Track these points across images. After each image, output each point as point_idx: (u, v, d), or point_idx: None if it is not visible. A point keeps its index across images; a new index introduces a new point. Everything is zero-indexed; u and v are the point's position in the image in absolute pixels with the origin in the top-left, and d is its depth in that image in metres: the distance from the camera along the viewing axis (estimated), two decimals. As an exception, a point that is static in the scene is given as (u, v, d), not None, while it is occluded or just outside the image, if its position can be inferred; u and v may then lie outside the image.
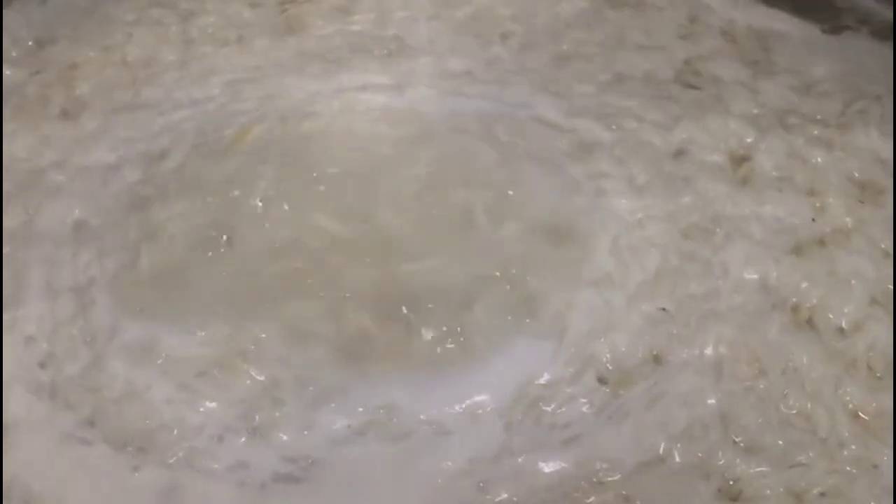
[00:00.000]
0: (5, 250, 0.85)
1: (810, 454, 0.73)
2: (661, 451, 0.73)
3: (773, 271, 0.81)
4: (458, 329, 0.78)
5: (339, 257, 0.83)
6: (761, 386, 0.76)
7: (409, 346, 0.78)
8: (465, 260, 0.83)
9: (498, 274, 0.82)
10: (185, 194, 0.87)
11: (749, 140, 0.89)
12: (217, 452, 0.72)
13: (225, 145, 0.90)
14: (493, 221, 0.85)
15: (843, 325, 0.79)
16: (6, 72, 0.98)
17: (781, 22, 1.00)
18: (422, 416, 0.74)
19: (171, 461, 0.72)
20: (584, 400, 0.75)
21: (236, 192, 0.85)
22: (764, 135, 0.89)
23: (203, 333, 0.78)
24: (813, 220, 0.85)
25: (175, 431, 0.73)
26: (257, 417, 0.74)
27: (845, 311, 0.79)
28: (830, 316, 0.79)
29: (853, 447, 0.73)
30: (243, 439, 0.72)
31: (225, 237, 0.83)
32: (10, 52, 0.99)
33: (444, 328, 0.78)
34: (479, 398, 0.75)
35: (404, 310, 0.81)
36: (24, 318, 0.80)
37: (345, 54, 0.96)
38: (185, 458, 0.72)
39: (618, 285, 0.80)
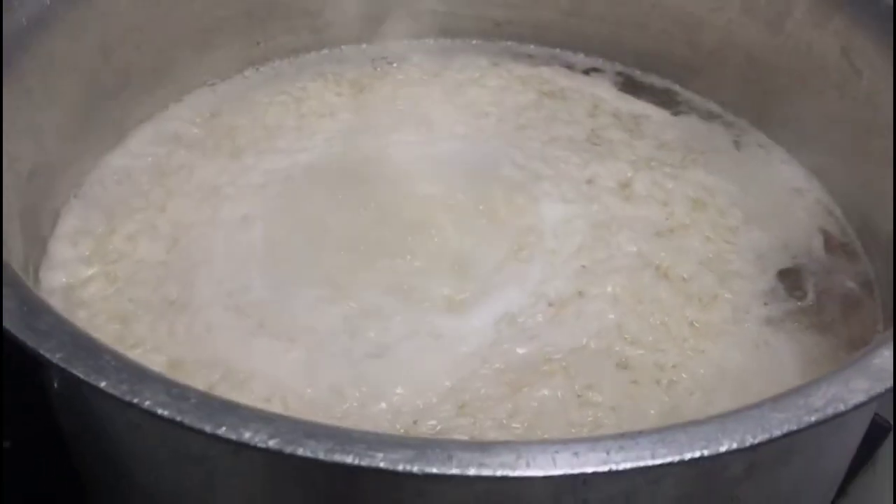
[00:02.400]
0: (203, 231, 0.92)
1: (667, 344, 0.83)
2: (583, 343, 0.83)
3: (645, 246, 0.91)
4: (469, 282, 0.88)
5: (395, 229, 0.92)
6: (639, 309, 0.86)
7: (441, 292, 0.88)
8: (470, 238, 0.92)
9: (488, 250, 0.91)
10: (302, 199, 0.95)
11: (629, 175, 0.99)
12: (335, 342, 0.82)
13: (325, 169, 0.98)
14: (484, 217, 0.93)
15: (685, 276, 0.89)
16: (194, 130, 1.04)
17: (648, 109, 1.09)
18: (452, 326, 0.84)
19: (309, 346, 0.82)
20: (540, 316, 0.85)
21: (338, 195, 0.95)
22: (637, 172, 0.99)
23: (319, 288, 0.87)
24: (666, 219, 0.95)
25: (313, 332, 0.83)
26: (356, 322, 0.84)
27: (685, 269, 0.89)
28: (677, 272, 0.89)
29: (691, 341, 0.84)
30: (345, 335, 0.83)
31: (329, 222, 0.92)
32: (195, 119, 1.05)
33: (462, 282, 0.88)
34: (483, 317, 0.85)
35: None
36: (217, 270, 0.88)
37: (393, 123, 1.04)
38: (318, 342, 0.82)
39: (558, 254, 0.90)
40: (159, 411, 0.55)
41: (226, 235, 0.92)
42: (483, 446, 0.54)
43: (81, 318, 0.85)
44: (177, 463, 0.66)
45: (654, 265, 0.90)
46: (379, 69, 1.14)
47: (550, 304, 0.87)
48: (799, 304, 0.89)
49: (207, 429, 0.53)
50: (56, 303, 0.85)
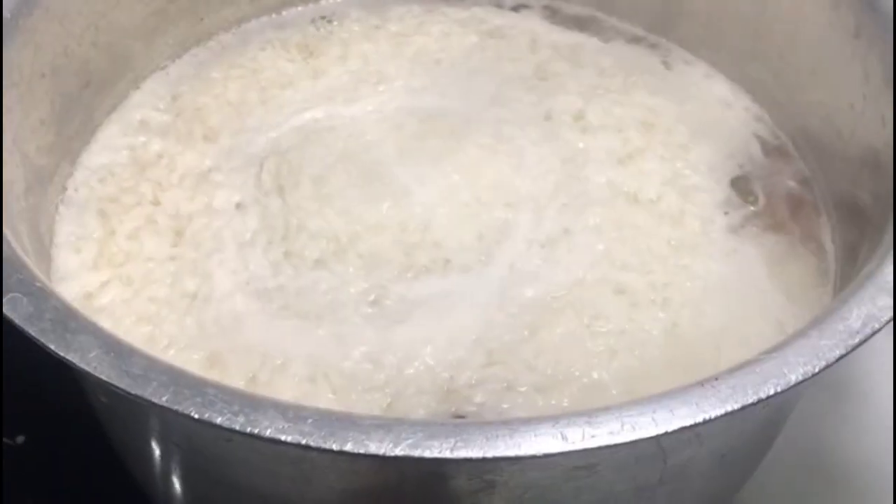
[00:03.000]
0: (204, 221, 0.94)
1: (654, 265, 0.90)
2: (581, 276, 0.89)
3: (611, 174, 0.97)
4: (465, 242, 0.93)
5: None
6: (621, 235, 0.92)
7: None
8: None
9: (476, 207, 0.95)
10: (287, 181, 0.97)
11: (580, 106, 1.03)
12: (358, 314, 0.87)
13: (301, 147, 1.00)
14: (463, 173, 0.97)
15: (653, 198, 0.96)
16: (160, 115, 1.04)
17: (580, 38, 1.14)
18: (460, 284, 0.89)
19: (335, 321, 0.86)
20: (536, 258, 0.91)
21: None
22: (587, 103, 1.04)
23: (326, 268, 0.91)
24: (624, 145, 1.00)
25: (335, 308, 0.87)
26: (370, 295, 0.88)
27: (652, 190, 0.96)
28: (646, 194, 0.95)
29: (671, 259, 0.91)
30: (366, 307, 0.88)
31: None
32: (158, 105, 1.04)
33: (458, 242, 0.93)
34: (486, 271, 0.90)
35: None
36: (229, 259, 0.90)
37: (353, 85, 1.07)
38: (343, 317, 0.87)
39: (538, 198, 0.95)
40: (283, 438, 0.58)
41: (226, 224, 0.94)
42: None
43: (107, 327, 0.85)
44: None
45: (623, 192, 0.96)
46: (321, 29, 1.15)
47: (543, 246, 0.92)
48: (752, 208, 0.98)
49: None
50: (79, 314, 0.89)
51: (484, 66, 1.09)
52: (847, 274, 0.91)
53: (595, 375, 0.84)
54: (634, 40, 1.15)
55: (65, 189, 0.97)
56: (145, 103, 1.06)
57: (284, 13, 1.17)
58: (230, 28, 1.14)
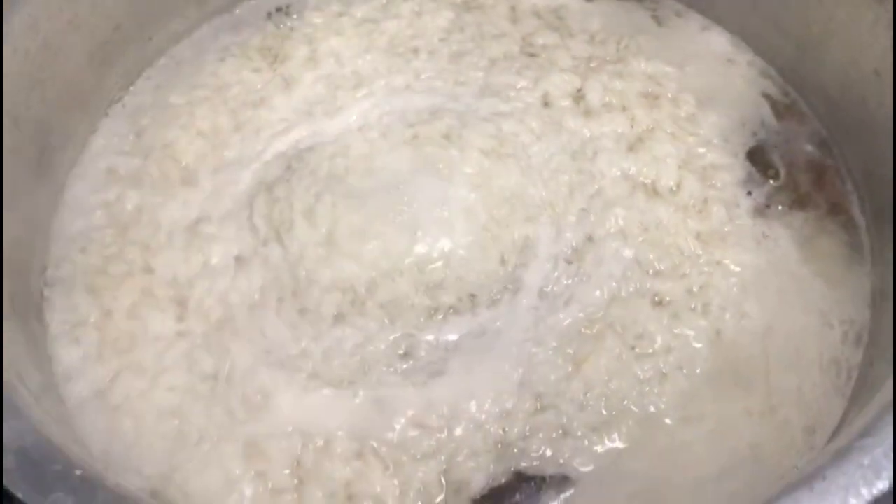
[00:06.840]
0: (206, 285, 0.86)
1: (686, 266, 0.87)
2: (614, 290, 0.85)
3: (625, 164, 0.91)
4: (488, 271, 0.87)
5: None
6: (648, 237, 0.88)
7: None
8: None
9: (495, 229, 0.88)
10: (281, 219, 0.88)
11: (577, 85, 0.95)
12: (391, 373, 0.82)
13: (287, 178, 0.90)
14: (473, 189, 0.89)
15: (672, 186, 0.90)
16: (128, 160, 0.92)
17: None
18: (490, 321, 0.84)
19: (369, 385, 0.81)
20: (564, 278, 0.86)
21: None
22: (584, 80, 0.96)
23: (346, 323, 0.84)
24: (631, 127, 0.93)
25: (367, 367, 0.82)
26: (399, 347, 0.83)
27: (669, 177, 0.90)
28: (664, 183, 0.90)
29: (703, 256, 0.87)
30: (398, 362, 0.82)
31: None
32: (123, 146, 0.93)
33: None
34: (515, 301, 0.85)
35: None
36: (242, 328, 0.83)
37: (329, 94, 0.95)
38: (377, 379, 0.82)
39: (555, 204, 0.89)
40: None
41: (230, 285, 0.86)
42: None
43: (129, 428, 0.81)
44: None
45: (641, 184, 0.91)
46: (281, 26, 1.02)
47: (570, 262, 0.88)
48: (774, 183, 0.93)
49: None
50: (95, 418, 0.81)
51: (466, 48, 0.99)
52: (879, 249, 0.88)
53: (651, 409, 0.81)
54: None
55: (44, 267, 0.88)
56: (108, 147, 0.95)
57: (237, 11, 1.04)
58: (180, 39, 1.01)
